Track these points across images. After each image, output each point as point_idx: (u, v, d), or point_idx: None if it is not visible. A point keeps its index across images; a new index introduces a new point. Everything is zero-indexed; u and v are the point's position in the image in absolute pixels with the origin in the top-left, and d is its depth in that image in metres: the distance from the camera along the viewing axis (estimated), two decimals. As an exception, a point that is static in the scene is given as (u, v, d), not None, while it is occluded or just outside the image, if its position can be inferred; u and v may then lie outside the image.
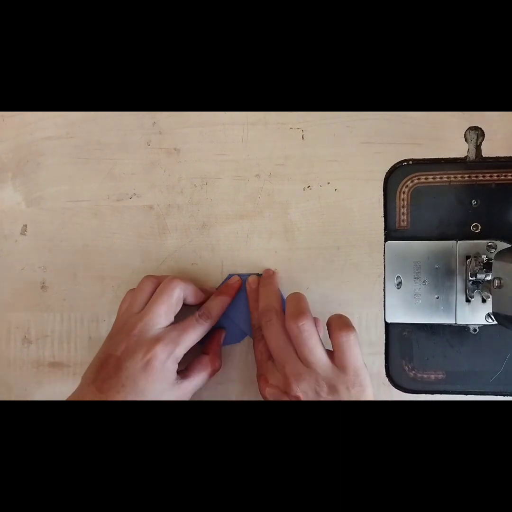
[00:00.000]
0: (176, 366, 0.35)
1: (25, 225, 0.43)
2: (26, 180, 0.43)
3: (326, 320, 0.36)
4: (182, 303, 0.37)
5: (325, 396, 0.33)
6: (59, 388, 0.43)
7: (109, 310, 0.42)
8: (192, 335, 0.36)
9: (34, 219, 0.43)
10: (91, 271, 0.43)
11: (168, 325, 0.36)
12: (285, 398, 0.34)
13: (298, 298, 0.36)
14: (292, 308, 0.35)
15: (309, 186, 0.40)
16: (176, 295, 0.36)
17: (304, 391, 0.33)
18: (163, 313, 0.36)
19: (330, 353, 0.35)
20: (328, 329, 0.35)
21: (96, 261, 0.43)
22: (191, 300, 0.38)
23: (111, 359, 0.34)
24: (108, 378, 0.34)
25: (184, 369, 0.37)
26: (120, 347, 0.35)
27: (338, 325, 0.34)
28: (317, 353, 0.34)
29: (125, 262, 0.42)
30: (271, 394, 0.35)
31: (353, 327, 0.34)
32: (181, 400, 0.36)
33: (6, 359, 0.44)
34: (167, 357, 0.34)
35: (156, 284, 0.37)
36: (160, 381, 0.34)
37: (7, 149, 0.44)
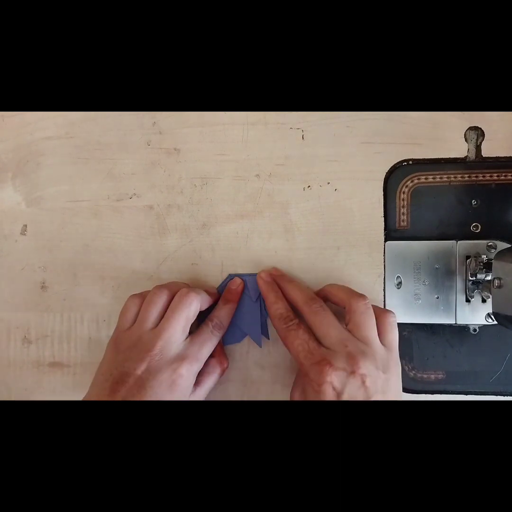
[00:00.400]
0: (195, 379, 0.36)
1: (25, 225, 0.43)
2: (26, 180, 0.43)
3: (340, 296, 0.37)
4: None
5: (382, 375, 0.33)
6: (59, 388, 0.43)
7: (109, 310, 0.42)
8: (210, 348, 0.37)
9: (34, 219, 0.43)
10: (91, 271, 0.43)
11: (185, 338, 0.36)
12: (351, 380, 0.32)
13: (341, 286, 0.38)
14: (346, 290, 0.37)
15: (309, 186, 0.40)
16: (194, 309, 0.36)
17: (368, 369, 0.32)
18: (181, 329, 0.36)
19: None
20: (351, 312, 0.36)
21: (96, 261, 0.43)
22: (203, 307, 0.38)
23: (129, 378, 0.34)
24: (130, 397, 0.33)
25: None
26: (140, 367, 0.34)
27: (379, 308, 0.37)
28: (374, 332, 0.35)
29: (125, 262, 0.42)
30: (339, 378, 0.32)
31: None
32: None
33: (6, 359, 0.44)
34: (191, 375, 0.35)
35: (169, 296, 0.37)
36: (181, 396, 0.35)
37: (7, 149, 0.44)
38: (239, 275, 0.40)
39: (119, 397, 0.33)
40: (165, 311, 0.36)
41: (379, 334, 0.35)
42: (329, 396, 0.32)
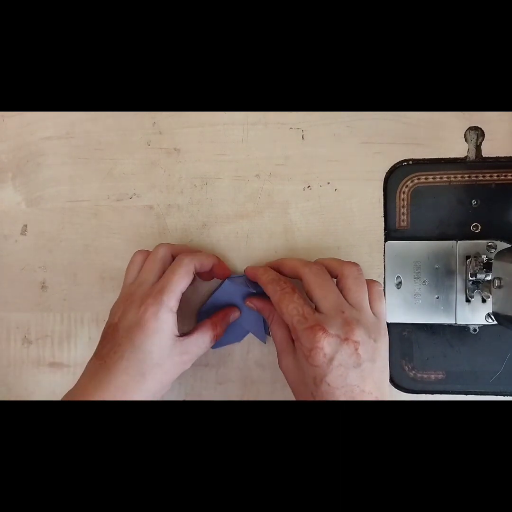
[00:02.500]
0: (172, 317, 0.34)
1: (25, 225, 0.43)
2: (26, 180, 0.43)
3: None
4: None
5: (373, 343, 0.33)
6: (59, 388, 0.43)
7: (109, 310, 0.42)
8: (178, 278, 0.35)
9: (34, 219, 0.43)
10: (91, 271, 0.43)
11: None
12: (344, 347, 0.32)
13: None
14: (337, 259, 0.37)
15: (309, 186, 0.40)
16: (186, 282, 0.36)
17: (362, 337, 0.32)
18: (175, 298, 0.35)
19: None
20: (344, 277, 0.35)
21: (96, 261, 0.43)
22: (203, 269, 0.38)
23: (109, 328, 0.35)
24: (106, 344, 0.34)
25: (187, 332, 0.37)
26: (118, 314, 0.35)
27: (349, 264, 0.36)
28: (367, 299, 0.35)
29: (125, 262, 0.42)
30: (330, 344, 0.31)
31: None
32: (183, 361, 0.35)
33: (6, 359, 0.44)
34: (159, 308, 0.34)
35: (169, 257, 0.37)
36: (157, 335, 0.33)
37: (7, 149, 0.44)
38: (232, 278, 0.40)
39: (99, 348, 0.35)
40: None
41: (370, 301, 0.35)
42: (318, 361, 0.31)
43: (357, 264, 0.35)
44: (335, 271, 0.36)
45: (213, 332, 0.37)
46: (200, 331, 0.37)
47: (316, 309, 0.34)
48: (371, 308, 0.35)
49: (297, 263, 0.36)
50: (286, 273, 0.37)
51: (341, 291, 0.35)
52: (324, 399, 0.31)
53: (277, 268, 0.38)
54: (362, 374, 0.32)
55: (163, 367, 0.34)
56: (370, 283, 0.36)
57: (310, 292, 0.34)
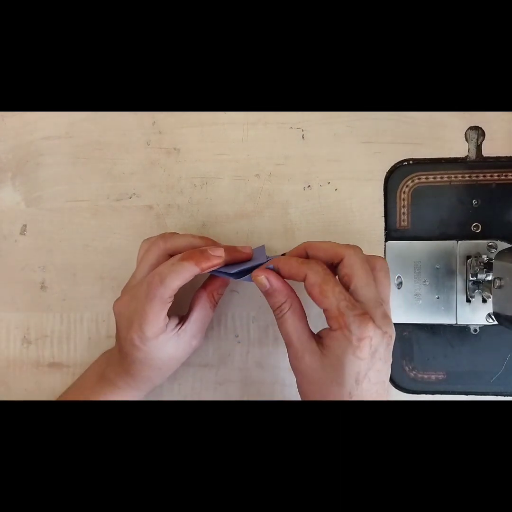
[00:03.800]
0: (156, 339, 0.34)
1: (25, 225, 0.43)
2: (26, 180, 0.43)
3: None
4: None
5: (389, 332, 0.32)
6: (59, 388, 0.43)
7: (108, 310, 0.42)
8: (152, 311, 0.33)
9: (34, 219, 0.43)
10: (91, 271, 0.43)
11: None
12: (384, 340, 0.30)
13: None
14: (336, 243, 0.33)
15: (309, 186, 0.40)
16: (173, 287, 0.33)
17: (393, 331, 0.32)
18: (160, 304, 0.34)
19: None
20: (376, 271, 0.33)
21: (96, 261, 0.42)
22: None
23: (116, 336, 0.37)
24: (117, 335, 0.36)
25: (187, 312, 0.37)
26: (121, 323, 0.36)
27: (375, 259, 0.34)
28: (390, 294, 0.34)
29: (125, 262, 0.42)
30: (377, 336, 0.30)
31: None
32: (193, 345, 0.37)
33: (6, 359, 0.44)
34: (138, 339, 0.33)
35: (165, 254, 0.36)
36: (157, 351, 0.34)
37: (7, 149, 0.44)
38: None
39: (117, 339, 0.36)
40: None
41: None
42: (365, 354, 0.29)
43: (384, 258, 0.36)
44: (336, 257, 0.33)
45: (210, 302, 0.37)
46: (197, 308, 0.36)
47: (354, 298, 0.31)
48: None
49: (336, 244, 0.33)
50: (321, 255, 0.33)
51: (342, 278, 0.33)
52: (363, 398, 0.30)
53: (303, 252, 0.34)
54: (388, 370, 0.32)
55: (173, 361, 0.36)
56: (375, 266, 0.34)
57: (353, 276, 0.31)
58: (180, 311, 0.37)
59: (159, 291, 0.32)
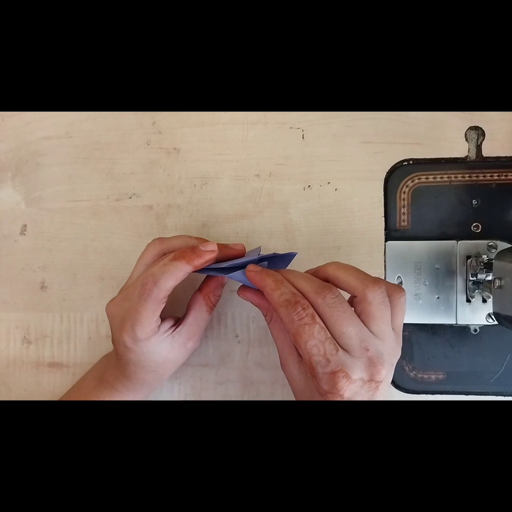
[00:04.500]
0: (147, 340, 0.33)
1: (25, 225, 0.43)
2: (26, 180, 0.43)
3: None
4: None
5: (392, 368, 0.30)
6: (59, 389, 0.43)
7: (108, 310, 0.42)
8: (145, 310, 0.32)
9: (34, 219, 0.43)
10: (90, 271, 0.43)
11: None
12: (365, 387, 0.29)
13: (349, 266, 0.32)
14: (357, 274, 0.31)
15: (309, 186, 0.40)
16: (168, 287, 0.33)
17: (385, 376, 0.29)
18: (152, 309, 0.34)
19: None
20: (367, 304, 0.30)
21: (96, 261, 0.42)
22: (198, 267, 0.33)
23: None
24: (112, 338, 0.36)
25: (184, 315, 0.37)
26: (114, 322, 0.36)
27: (391, 286, 0.31)
28: (390, 323, 0.31)
29: (125, 262, 0.42)
30: (352, 390, 0.28)
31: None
32: (188, 348, 0.36)
33: (6, 359, 0.44)
34: (129, 340, 0.33)
35: (160, 256, 0.35)
36: (149, 353, 0.34)
37: (7, 149, 0.44)
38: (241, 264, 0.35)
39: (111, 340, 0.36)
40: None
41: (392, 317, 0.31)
42: (337, 399, 0.29)
43: (380, 283, 0.30)
44: (354, 292, 0.31)
45: (207, 304, 0.36)
46: (193, 310, 0.36)
47: (337, 343, 0.29)
48: (391, 322, 0.31)
49: (306, 287, 0.30)
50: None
51: (360, 315, 0.30)
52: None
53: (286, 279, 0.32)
54: (375, 396, 0.30)
55: (168, 363, 0.35)
56: (393, 294, 0.31)
57: (328, 327, 0.29)
58: (178, 313, 0.37)
59: (153, 292, 0.32)
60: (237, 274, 0.33)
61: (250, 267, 0.32)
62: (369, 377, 0.29)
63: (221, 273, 0.34)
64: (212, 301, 0.37)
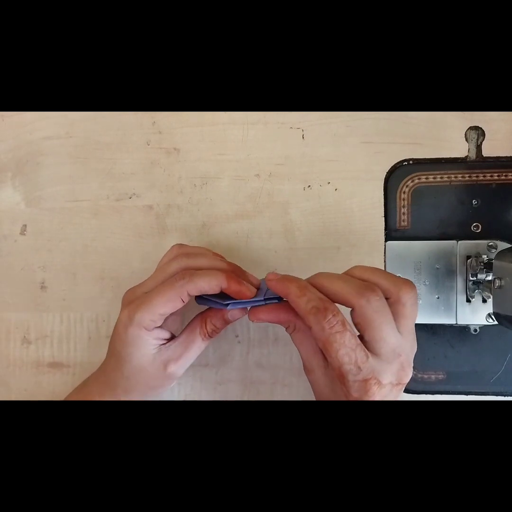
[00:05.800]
0: (145, 333, 0.32)
1: (25, 225, 0.43)
2: (26, 180, 0.43)
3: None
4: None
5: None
6: (59, 388, 0.43)
7: (108, 310, 0.42)
8: (159, 302, 0.31)
9: (34, 219, 0.43)
10: (90, 271, 0.43)
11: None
12: (393, 390, 0.29)
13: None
14: (388, 276, 0.30)
15: (309, 186, 0.40)
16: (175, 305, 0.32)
17: (411, 376, 0.30)
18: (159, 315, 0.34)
19: None
20: (401, 305, 0.30)
21: (95, 261, 0.42)
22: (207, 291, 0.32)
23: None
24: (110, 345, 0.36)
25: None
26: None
27: (401, 290, 0.30)
28: (414, 322, 0.31)
29: (124, 262, 0.42)
30: (381, 394, 0.28)
31: None
32: (169, 374, 0.34)
33: (6, 359, 0.44)
34: (128, 321, 0.32)
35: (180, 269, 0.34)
36: (133, 347, 0.32)
37: (7, 149, 0.44)
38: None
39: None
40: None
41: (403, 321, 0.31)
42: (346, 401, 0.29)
43: (413, 285, 0.30)
44: (388, 294, 0.30)
45: (201, 328, 0.34)
46: (187, 330, 0.35)
47: (368, 348, 0.29)
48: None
49: (348, 290, 0.29)
50: (330, 297, 0.29)
51: (394, 315, 0.30)
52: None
53: (314, 286, 0.30)
54: (399, 396, 0.31)
55: (142, 376, 0.33)
56: (405, 300, 0.30)
57: (366, 331, 0.29)
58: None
59: (182, 283, 0.31)
60: (236, 302, 0.32)
61: (270, 276, 0.31)
62: (398, 381, 0.29)
63: (222, 306, 0.33)
64: (207, 328, 0.34)
